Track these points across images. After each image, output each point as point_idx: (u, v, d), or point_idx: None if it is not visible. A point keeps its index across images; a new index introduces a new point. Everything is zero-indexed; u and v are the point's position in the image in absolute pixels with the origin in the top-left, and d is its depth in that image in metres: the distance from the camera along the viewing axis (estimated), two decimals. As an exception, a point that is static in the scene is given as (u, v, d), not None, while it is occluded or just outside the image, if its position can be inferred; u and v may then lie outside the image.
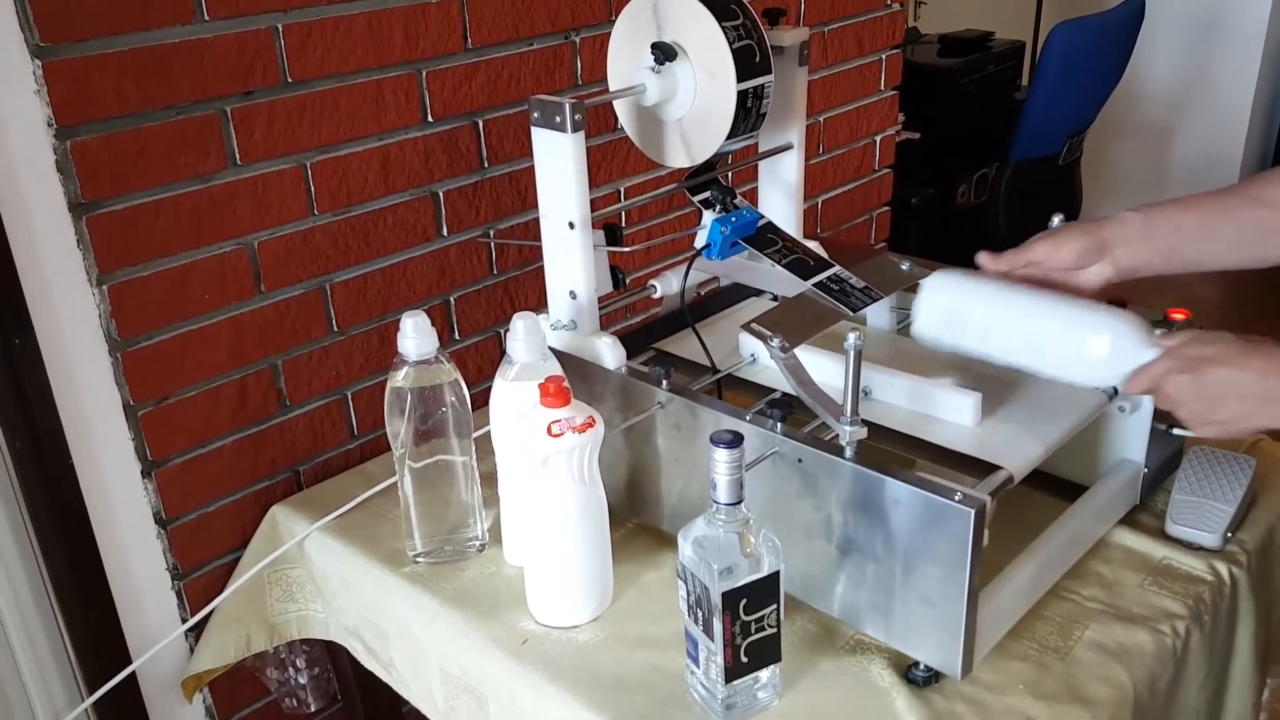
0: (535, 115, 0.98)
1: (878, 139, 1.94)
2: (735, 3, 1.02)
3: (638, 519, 1.10)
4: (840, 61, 1.79)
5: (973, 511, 0.80)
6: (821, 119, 1.79)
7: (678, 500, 1.04)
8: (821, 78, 1.76)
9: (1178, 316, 1.03)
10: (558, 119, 0.97)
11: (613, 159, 1.48)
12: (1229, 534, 1.01)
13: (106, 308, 1.07)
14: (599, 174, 1.47)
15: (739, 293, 1.26)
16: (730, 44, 1.00)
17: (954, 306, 0.95)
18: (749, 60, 1.01)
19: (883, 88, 1.91)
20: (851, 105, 1.85)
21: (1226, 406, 0.82)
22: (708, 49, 1.00)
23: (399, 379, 1.00)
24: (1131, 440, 1.04)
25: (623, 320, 1.52)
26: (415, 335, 0.99)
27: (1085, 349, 0.89)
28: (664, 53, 1.01)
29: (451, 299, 1.36)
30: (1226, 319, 3.30)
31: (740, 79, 1.00)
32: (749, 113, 1.04)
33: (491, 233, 1.38)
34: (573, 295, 1.05)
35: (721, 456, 0.79)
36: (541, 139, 0.99)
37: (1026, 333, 0.91)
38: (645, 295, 1.16)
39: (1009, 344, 0.92)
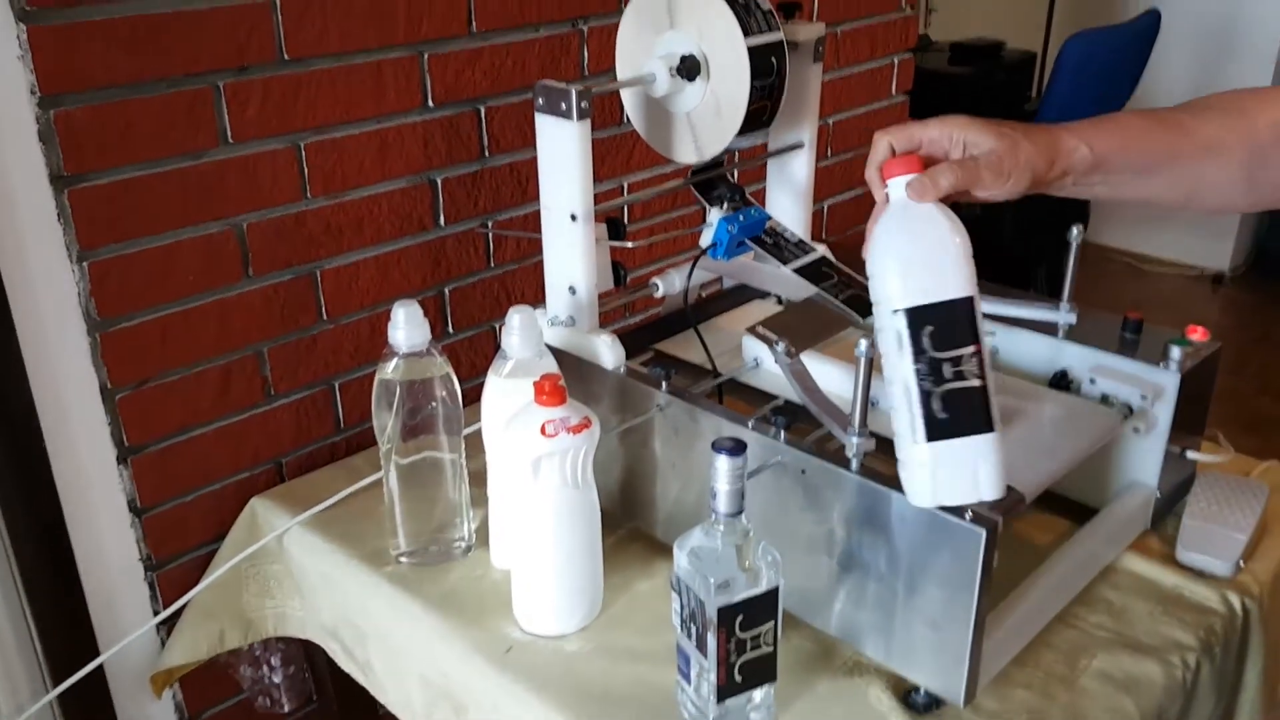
0: (540, 101, 0.94)
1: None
2: (751, -7, 0.99)
3: (631, 525, 1.06)
4: (852, 64, 1.76)
5: (984, 531, 0.76)
6: (830, 122, 1.76)
7: (674, 507, 1.01)
8: (832, 80, 1.73)
9: (1194, 336, 1.00)
10: (563, 105, 0.93)
11: (617, 153, 1.45)
12: (1241, 563, 0.98)
13: (86, 285, 1.02)
14: (603, 168, 1.43)
15: (743, 294, 1.22)
16: (745, 36, 0.96)
17: None
18: (764, 54, 0.97)
19: (894, 92, 1.87)
20: (862, 109, 1.81)
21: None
22: (722, 40, 0.97)
23: (388, 371, 0.96)
24: (1144, 462, 1.01)
25: (622, 319, 1.48)
26: (406, 326, 0.95)
27: None
28: (688, 69, 0.98)
29: (446, 291, 1.32)
30: (1227, 341, 3.25)
31: (754, 73, 0.97)
32: (762, 108, 1.00)
33: (490, 224, 1.34)
34: (572, 291, 1.01)
35: (723, 465, 0.75)
36: (545, 126, 0.95)
37: None
38: (646, 294, 1.12)
39: None
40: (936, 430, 0.74)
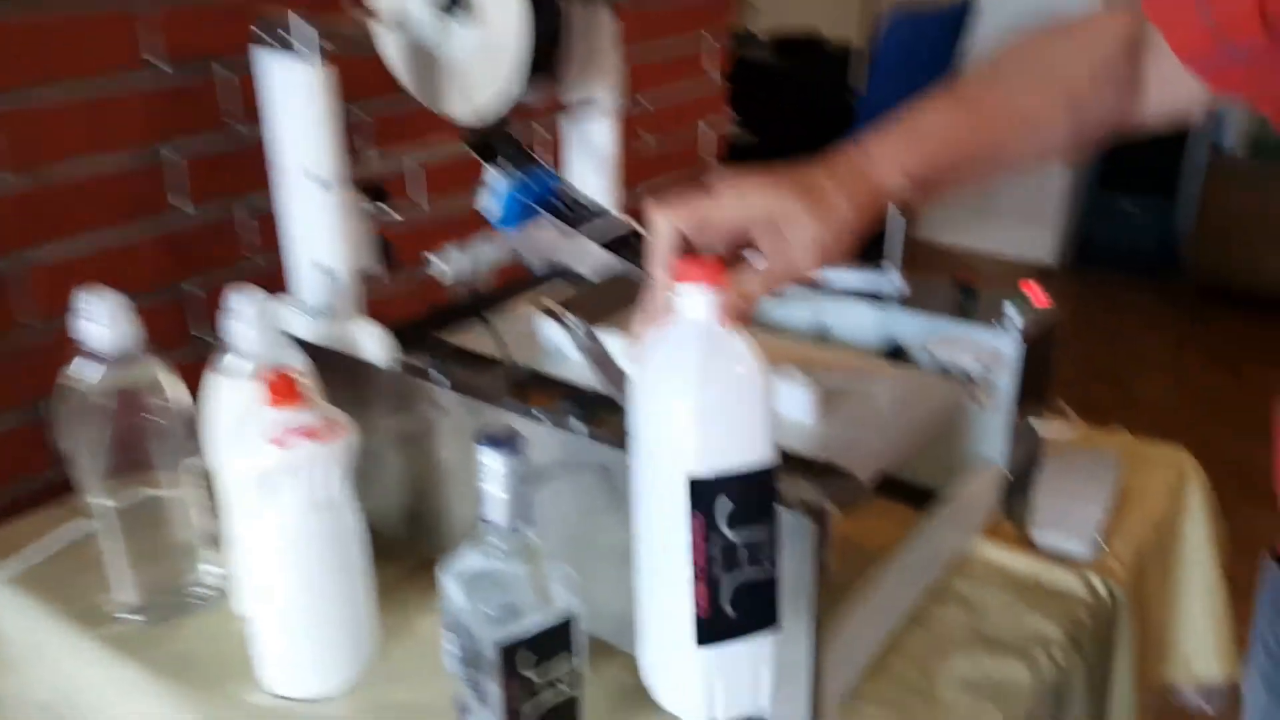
0: (260, 34, 0.77)
1: (707, 128, 1.79)
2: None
3: (420, 553, 0.89)
4: (663, 36, 1.64)
5: (813, 524, 0.63)
6: (649, 105, 1.63)
7: (466, 528, 0.84)
8: (646, 61, 1.60)
9: (1031, 293, 0.91)
10: (292, 42, 0.76)
11: (410, 125, 1.27)
12: (1101, 542, 0.89)
13: None
14: (388, 141, 1.25)
15: (553, 283, 1.07)
16: (519, -33, 0.82)
17: None
18: (543, -12, 0.83)
19: (710, 72, 1.77)
20: (678, 88, 1.70)
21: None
22: (489, -33, 0.82)
23: (82, 383, 0.76)
24: (988, 437, 0.90)
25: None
26: (107, 321, 0.76)
27: None
28: (452, 4, 0.83)
29: (190, 290, 1.12)
30: (1177, 420, 2.87)
31: (534, 12, 0.82)
32: (543, 55, 0.86)
33: (246, 207, 1.13)
34: (325, 272, 0.84)
35: (491, 461, 0.60)
36: (274, 67, 0.78)
37: None
38: (424, 278, 0.95)
39: None
40: (720, 630, 0.57)
